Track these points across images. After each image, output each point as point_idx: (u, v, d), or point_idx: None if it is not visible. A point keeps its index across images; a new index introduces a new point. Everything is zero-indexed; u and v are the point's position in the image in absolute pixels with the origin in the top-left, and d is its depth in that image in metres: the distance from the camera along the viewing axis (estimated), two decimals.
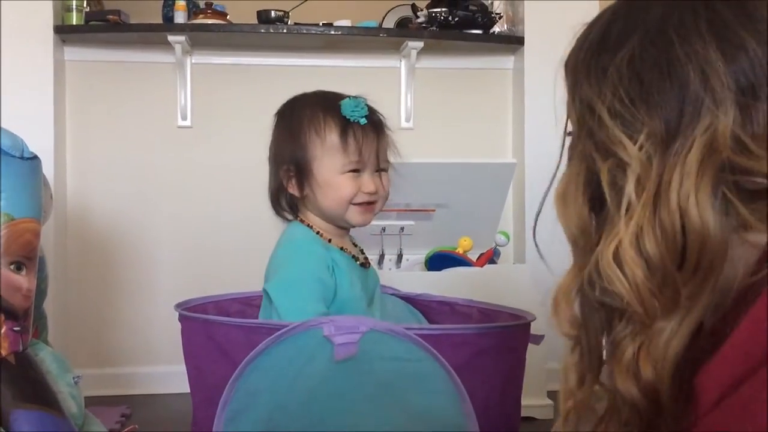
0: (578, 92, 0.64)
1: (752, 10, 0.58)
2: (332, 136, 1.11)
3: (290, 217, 1.21)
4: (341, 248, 1.17)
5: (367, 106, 1.16)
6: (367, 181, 1.14)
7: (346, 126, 1.12)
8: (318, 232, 1.17)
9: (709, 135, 0.54)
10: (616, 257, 0.56)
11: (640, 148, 0.56)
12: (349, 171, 1.13)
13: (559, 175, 0.68)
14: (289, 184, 1.16)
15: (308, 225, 1.17)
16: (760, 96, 0.55)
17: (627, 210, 0.56)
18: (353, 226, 1.18)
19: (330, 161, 1.11)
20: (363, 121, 1.13)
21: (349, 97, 1.16)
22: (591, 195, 0.62)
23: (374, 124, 1.16)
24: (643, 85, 0.58)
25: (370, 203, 1.16)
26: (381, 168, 1.18)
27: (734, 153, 0.53)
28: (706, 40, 0.56)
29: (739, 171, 0.54)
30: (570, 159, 0.66)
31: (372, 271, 1.23)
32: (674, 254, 0.55)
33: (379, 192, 1.17)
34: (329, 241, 1.17)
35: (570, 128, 0.68)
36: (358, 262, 1.18)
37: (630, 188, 0.56)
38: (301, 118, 1.14)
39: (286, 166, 1.14)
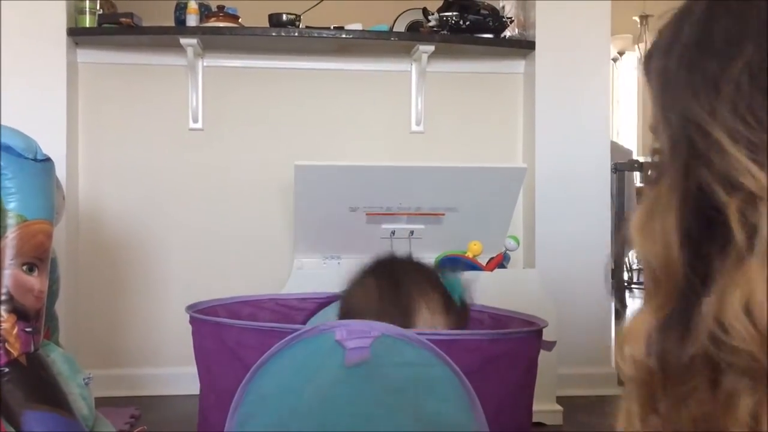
0: (676, 106, 0.53)
1: None
2: (439, 316, 1.13)
3: None
4: None
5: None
6: None
7: (450, 305, 1.14)
8: None
9: None
10: (747, 307, 0.47)
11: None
12: None
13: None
14: None
15: None
16: None
17: (760, 254, 0.46)
18: None
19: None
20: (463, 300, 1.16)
21: (447, 275, 1.19)
22: (687, 228, 0.52)
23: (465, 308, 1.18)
24: (763, 103, 0.47)
25: None
26: None
27: None
28: None
29: None
30: (656, 182, 0.55)
31: None
32: None
33: None
34: None
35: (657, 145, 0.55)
36: None
37: (765, 227, 0.46)
38: (409, 289, 1.14)
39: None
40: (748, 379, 0.48)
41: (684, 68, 0.51)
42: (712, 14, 0.52)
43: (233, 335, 0.99)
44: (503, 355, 0.97)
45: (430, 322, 1.10)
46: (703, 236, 0.50)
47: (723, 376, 0.49)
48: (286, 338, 0.92)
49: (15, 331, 1.35)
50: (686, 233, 0.51)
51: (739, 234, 0.48)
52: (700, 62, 0.51)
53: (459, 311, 1.13)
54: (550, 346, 1.07)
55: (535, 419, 2.19)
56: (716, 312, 0.48)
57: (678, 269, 0.51)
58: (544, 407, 2.17)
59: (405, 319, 1.09)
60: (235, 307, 1.26)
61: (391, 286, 1.14)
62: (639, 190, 4.17)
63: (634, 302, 5.07)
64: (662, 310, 0.52)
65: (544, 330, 1.08)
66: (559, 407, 2.22)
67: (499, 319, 1.23)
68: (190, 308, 1.14)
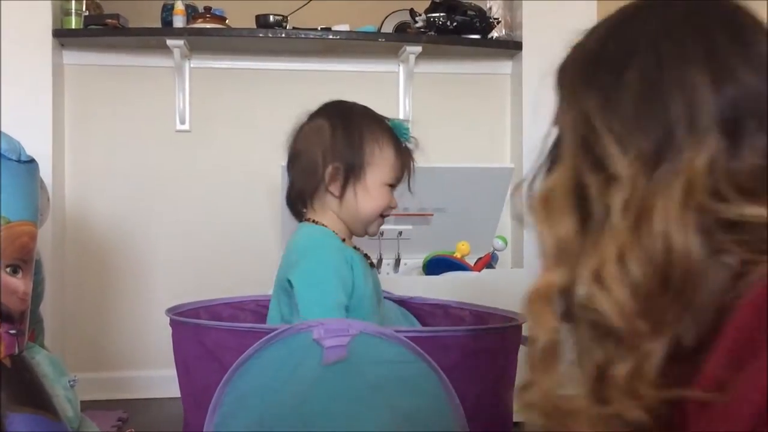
0: (576, 103, 0.64)
1: (749, 38, 0.58)
2: (388, 149, 1.22)
3: (305, 216, 1.25)
4: (353, 248, 1.23)
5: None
6: (394, 198, 1.25)
7: (399, 144, 1.23)
8: (333, 232, 1.22)
9: (689, 172, 0.54)
10: (599, 275, 0.56)
11: (630, 166, 0.56)
12: (389, 185, 1.22)
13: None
14: (332, 183, 1.20)
15: (323, 225, 1.22)
16: (748, 128, 0.55)
17: (612, 227, 0.56)
18: (365, 235, 1.25)
19: (380, 171, 1.21)
20: (410, 144, 1.25)
21: (392, 119, 1.26)
22: (576, 206, 0.61)
23: (410, 151, 1.26)
24: (637, 106, 0.58)
25: (385, 216, 1.25)
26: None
27: (711, 194, 0.54)
28: (698, 67, 0.56)
29: (720, 200, 0.54)
30: (554, 165, 0.65)
31: (376, 273, 1.27)
32: (658, 278, 0.55)
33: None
34: (343, 240, 1.22)
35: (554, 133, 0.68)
36: (368, 261, 1.24)
37: (617, 207, 0.56)
38: (360, 125, 1.22)
39: (337, 165, 1.19)
40: (620, 348, 0.56)
41: (586, 74, 0.64)
42: (612, 32, 0.64)
43: (211, 337, 0.99)
44: (482, 351, 0.97)
45: (378, 157, 1.19)
46: (582, 214, 0.59)
47: (598, 345, 0.58)
48: (264, 338, 0.92)
49: None
50: (576, 210, 0.60)
51: (597, 210, 0.58)
52: (597, 70, 0.62)
53: (406, 151, 1.23)
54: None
55: (518, 419, 2.20)
56: (579, 277, 0.57)
57: (574, 240, 0.60)
58: None
59: (355, 154, 1.18)
60: (216, 309, 1.26)
61: (342, 123, 1.21)
62: None
63: None
64: (563, 276, 0.60)
65: (524, 327, 1.08)
66: None
67: (480, 315, 1.23)
68: (171, 311, 1.14)
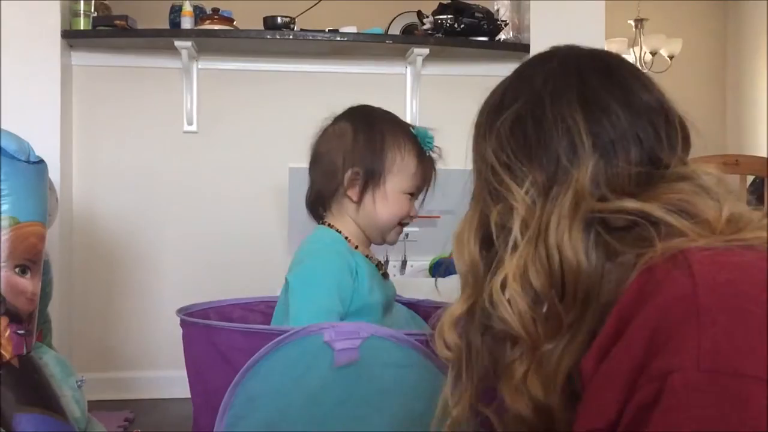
0: (479, 151, 0.74)
1: (618, 78, 0.71)
2: (410, 158, 1.19)
3: (323, 219, 1.24)
4: (366, 256, 1.21)
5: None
6: (413, 207, 1.23)
7: (422, 153, 1.21)
8: (346, 238, 1.20)
9: (576, 185, 0.64)
10: (503, 287, 0.65)
11: (526, 193, 0.66)
12: (408, 193, 1.21)
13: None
14: (351, 188, 1.18)
15: (337, 230, 1.21)
16: (620, 151, 0.67)
17: (513, 247, 0.66)
18: (383, 243, 1.24)
19: (400, 179, 1.19)
20: (433, 154, 1.23)
21: (417, 127, 1.24)
22: (483, 236, 0.71)
23: (433, 160, 1.24)
24: (525, 141, 0.69)
25: (404, 225, 1.24)
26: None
27: (597, 200, 0.64)
28: (573, 106, 0.68)
29: (605, 211, 0.64)
30: (470, 205, 0.76)
31: (390, 282, 1.26)
32: (555, 286, 0.64)
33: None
34: (356, 247, 1.20)
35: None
36: (380, 271, 1.22)
37: (516, 229, 0.66)
38: (383, 132, 1.20)
39: (357, 170, 1.18)
40: (519, 351, 0.65)
41: (484, 122, 0.74)
42: (508, 85, 0.75)
43: (222, 338, 0.99)
44: None
45: (399, 164, 1.17)
46: (491, 242, 0.69)
47: (501, 351, 0.66)
48: (275, 340, 0.92)
49: (7, 333, 1.35)
50: (483, 240, 0.70)
51: (498, 235, 0.68)
52: (492, 116, 0.73)
53: (428, 161, 1.22)
54: None
55: None
56: (489, 293, 0.66)
57: (479, 268, 0.70)
58: None
59: (376, 160, 1.17)
60: (226, 310, 1.26)
61: (365, 128, 1.19)
62: None
63: None
64: (469, 300, 0.70)
65: None
66: None
67: None
68: (181, 311, 1.14)
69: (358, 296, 1.12)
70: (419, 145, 1.21)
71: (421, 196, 1.25)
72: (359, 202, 1.18)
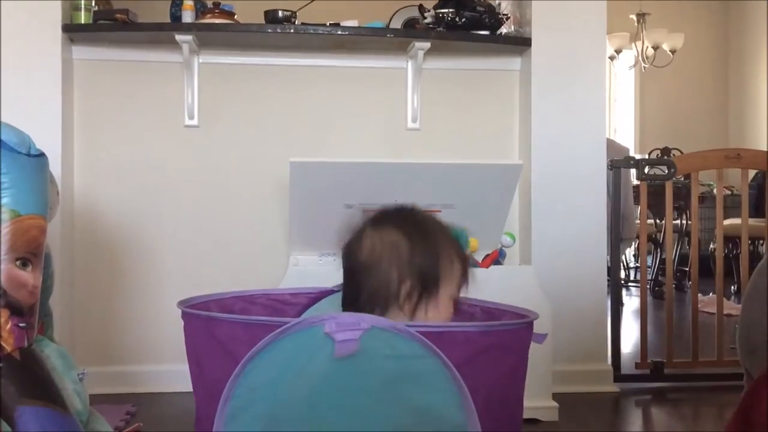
0: None
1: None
2: (457, 264, 1.17)
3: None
4: None
5: None
6: None
7: (463, 255, 1.20)
8: None
9: None
10: None
11: None
12: (452, 298, 1.18)
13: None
14: (407, 302, 1.14)
15: None
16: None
17: None
18: None
19: (450, 286, 1.16)
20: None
21: (454, 227, 1.23)
22: None
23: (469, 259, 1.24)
24: None
25: None
26: None
27: None
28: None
29: None
30: None
31: None
32: None
33: None
34: None
35: None
36: None
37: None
38: (437, 242, 1.17)
39: (414, 283, 1.13)
40: None
41: None
42: None
43: (224, 329, 0.99)
44: (493, 347, 0.97)
45: (449, 272, 1.14)
46: None
47: None
48: (276, 331, 0.92)
49: (8, 326, 1.35)
50: None
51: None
52: None
53: (467, 263, 1.20)
54: (541, 338, 1.08)
55: (530, 416, 2.20)
56: None
57: None
58: (540, 404, 2.18)
59: (433, 272, 1.13)
60: (227, 302, 1.26)
61: (421, 239, 1.15)
62: (635, 188, 4.17)
63: (630, 300, 5.07)
64: None
65: (536, 323, 1.08)
66: (554, 403, 2.22)
67: (490, 312, 1.23)
68: (183, 303, 1.14)
69: None
70: (460, 248, 1.19)
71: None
72: (413, 314, 1.13)
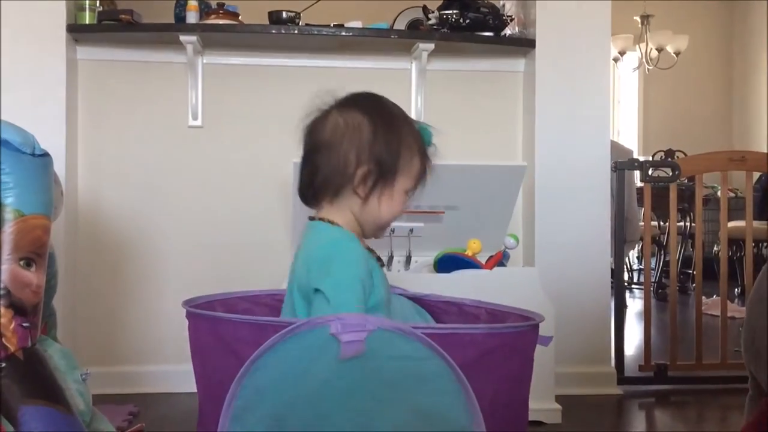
0: None
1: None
2: (416, 157, 1.17)
3: (317, 211, 1.20)
4: (367, 248, 1.19)
5: None
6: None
7: (425, 151, 1.19)
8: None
9: None
10: None
11: None
12: (409, 191, 1.19)
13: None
14: (361, 185, 1.15)
15: (338, 226, 1.17)
16: None
17: None
18: (373, 237, 1.22)
19: (407, 178, 1.17)
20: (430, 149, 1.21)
21: (419, 122, 1.22)
22: None
23: (431, 157, 1.22)
24: None
25: None
26: None
27: None
28: None
29: None
30: None
31: (384, 272, 1.23)
32: None
33: None
34: None
35: None
36: (379, 262, 1.21)
37: None
38: (400, 130, 1.16)
39: (370, 168, 1.14)
40: None
41: None
42: None
43: (229, 330, 0.99)
44: (499, 349, 0.96)
45: (408, 164, 1.15)
46: None
47: None
48: (281, 332, 0.92)
49: (12, 326, 1.34)
50: None
51: None
52: None
53: (429, 159, 1.19)
54: (546, 341, 1.07)
55: (534, 418, 2.20)
56: None
57: None
58: (543, 406, 2.17)
59: (392, 160, 1.14)
60: (231, 302, 1.26)
61: (383, 125, 1.15)
62: (639, 190, 4.16)
63: (633, 302, 5.07)
64: None
65: (540, 325, 1.08)
66: (558, 406, 2.21)
67: (495, 314, 1.22)
68: (187, 303, 1.13)
69: (375, 293, 1.11)
70: (423, 142, 1.19)
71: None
72: (366, 200, 1.15)
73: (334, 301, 1.06)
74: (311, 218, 1.20)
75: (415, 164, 1.17)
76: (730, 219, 3.00)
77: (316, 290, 1.08)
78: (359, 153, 1.14)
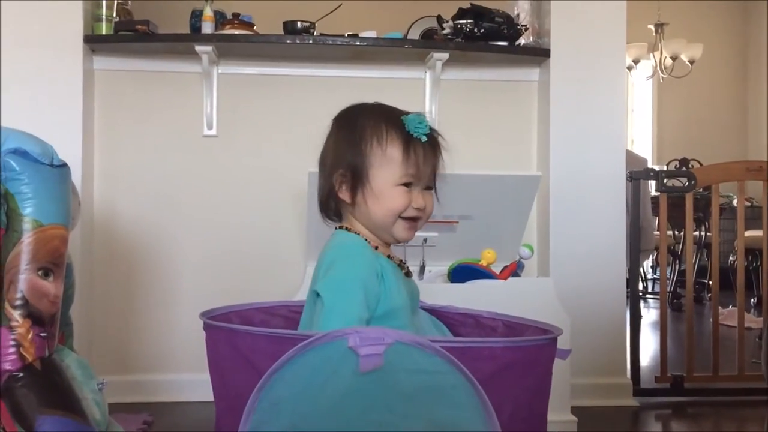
0: None
1: None
2: (394, 147, 1.14)
3: (337, 223, 1.22)
4: (387, 256, 1.19)
5: (428, 124, 1.18)
6: (417, 197, 1.17)
7: (408, 140, 1.15)
8: (365, 239, 1.18)
9: None
10: None
11: None
12: (403, 184, 1.15)
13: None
14: (341, 190, 1.17)
15: (355, 233, 1.18)
16: None
17: None
18: (396, 241, 1.20)
19: (387, 172, 1.14)
20: (424, 138, 1.16)
21: (411, 112, 1.19)
22: None
23: (433, 142, 1.18)
24: None
25: (415, 219, 1.18)
26: (429, 186, 1.20)
27: None
28: None
29: None
30: None
31: (413, 282, 1.24)
32: None
33: (427, 209, 1.19)
34: (376, 248, 1.18)
35: None
36: (403, 271, 1.20)
37: None
38: (363, 126, 1.16)
39: (342, 171, 1.16)
40: None
41: None
42: None
43: (247, 342, 0.99)
44: (517, 363, 0.96)
45: (381, 157, 1.13)
46: None
47: None
48: (299, 345, 0.92)
49: (30, 335, 1.35)
50: None
51: None
52: None
53: (420, 146, 1.15)
54: (565, 354, 1.06)
55: (549, 429, 2.17)
56: None
57: None
58: (559, 418, 2.16)
59: (356, 157, 1.14)
60: (248, 314, 1.26)
61: (346, 124, 1.18)
62: (654, 199, 4.14)
63: (648, 313, 5.03)
64: None
65: (559, 339, 1.07)
66: (573, 417, 2.20)
67: (512, 326, 1.22)
68: (204, 315, 1.13)
69: (386, 299, 1.10)
70: (406, 131, 1.14)
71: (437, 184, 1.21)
72: (353, 203, 1.16)
73: (329, 301, 1.07)
74: (336, 228, 1.22)
75: (393, 155, 1.14)
76: (746, 228, 2.97)
77: (317, 293, 1.10)
78: (331, 159, 1.17)
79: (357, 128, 1.16)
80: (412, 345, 0.91)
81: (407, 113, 1.19)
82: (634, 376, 2.68)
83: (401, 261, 1.22)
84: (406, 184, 1.15)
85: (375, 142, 1.14)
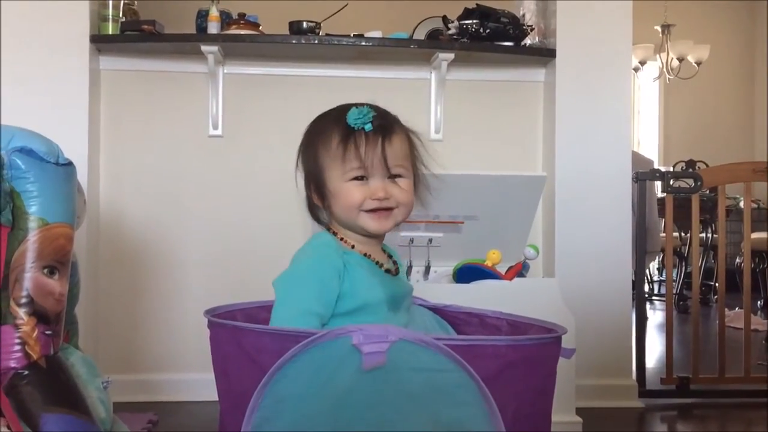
0: None
1: None
2: (335, 144, 1.14)
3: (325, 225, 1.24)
4: (364, 254, 1.18)
5: (376, 112, 1.15)
6: (375, 188, 1.14)
7: (347, 134, 1.13)
8: (342, 239, 1.19)
9: None
10: None
11: None
12: (354, 178, 1.14)
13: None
14: (314, 197, 1.20)
15: (334, 232, 1.20)
16: None
17: None
18: (371, 234, 1.18)
19: (335, 170, 1.14)
20: (368, 127, 1.13)
21: (356, 105, 1.16)
22: None
23: (381, 130, 1.15)
24: None
25: (383, 209, 1.15)
26: (394, 174, 1.16)
27: None
28: None
29: None
30: None
31: (401, 280, 1.22)
32: None
33: (395, 198, 1.16)
34: (352, 247, 1.17)
35: None
36: (382, 268, 1.18)
37: None
38: (313, 133, 1.19)
39: (307, 180, 1.20)
40: None
41: None
42: None
43: (250, 339, 0.99)
44: (521, 362, 0.96)
45: (326, 156, 1.14)
46: None
47: None
48: (303, 342, 0.92)
49: (35, 333, 1.36)
50: None
51: None
52: None
53: (361, 136, 1.13)
54: (569, 353, 1.06)
55: (554, 430, 2.17)
56: None
57: None
58: (564, 418, 2.15)
59: (309, 162, 1.17)
60: (252, 312, 1.26)
61: (304, 134, 1.21)
62: (660, 201, 4.13)
63: (653, 314, 5.01)
64: None
65: (564, 338, 1.07)
66: (578, 418, 2.19)
67: (517, 325, 1.22)
68: (208, 312, 1.14)
69: (353, 295, 1.10)
70: (346, 125, 1.13)
71: (402, 172, 1.17)
72: (324, 207, 1.19)
73: (281, 294, 1.11)
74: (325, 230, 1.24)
75: (335, 152, 1.13)
76: (752, 230, 2.96)
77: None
78: (302, 171, 1.21)
79: (309, 135, 1.19)
80: (416, 343, 0.91)
81: (355, 105, 1.17)
82: (640, 377, 2.67)
83: (390, 257, 1.23)
84: (359, 178, 1.14)
85: (321, 145, 1.15)
